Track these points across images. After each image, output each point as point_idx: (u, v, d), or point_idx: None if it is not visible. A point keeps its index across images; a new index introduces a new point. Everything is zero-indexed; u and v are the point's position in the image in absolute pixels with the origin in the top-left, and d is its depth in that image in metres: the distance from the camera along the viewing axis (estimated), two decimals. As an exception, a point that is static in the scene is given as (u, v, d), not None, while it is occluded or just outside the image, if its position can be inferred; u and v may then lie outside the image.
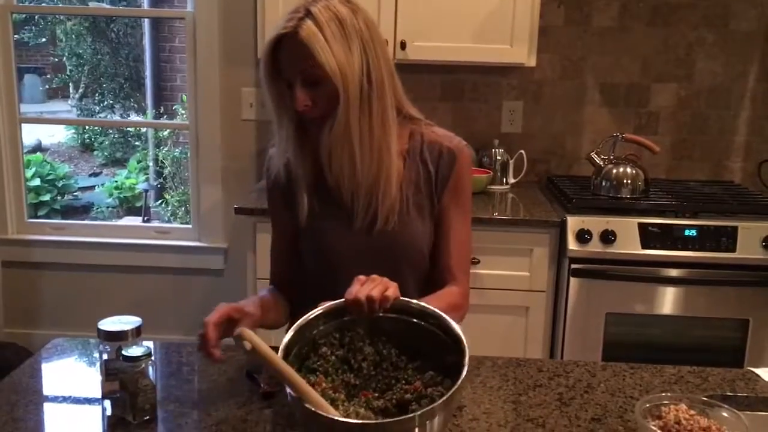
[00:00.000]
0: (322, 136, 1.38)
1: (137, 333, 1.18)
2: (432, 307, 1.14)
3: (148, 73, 6.78)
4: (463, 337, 1.06)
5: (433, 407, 0.95)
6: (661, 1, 2.92)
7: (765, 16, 2.91)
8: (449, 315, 1.41)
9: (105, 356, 1.17)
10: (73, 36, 7.72)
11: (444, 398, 0.96)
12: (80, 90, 8.00)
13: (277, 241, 1.59)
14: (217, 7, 2.98)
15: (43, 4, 6.79)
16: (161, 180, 6.52)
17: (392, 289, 1.15)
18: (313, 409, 0.95)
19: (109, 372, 1.17)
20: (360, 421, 1.01)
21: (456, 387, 0.98)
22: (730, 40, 2.94)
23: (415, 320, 1.14)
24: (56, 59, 8.33)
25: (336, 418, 0.98)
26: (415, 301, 1.16)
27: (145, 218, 6.33)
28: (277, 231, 1.59)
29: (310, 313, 1.12)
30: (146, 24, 6.74)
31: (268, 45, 1.34)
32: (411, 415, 0.96)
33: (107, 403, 1.19)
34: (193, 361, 1.39)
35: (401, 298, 1.16)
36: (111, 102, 7.71)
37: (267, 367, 1.01)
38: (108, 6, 7.22)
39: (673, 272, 2.45)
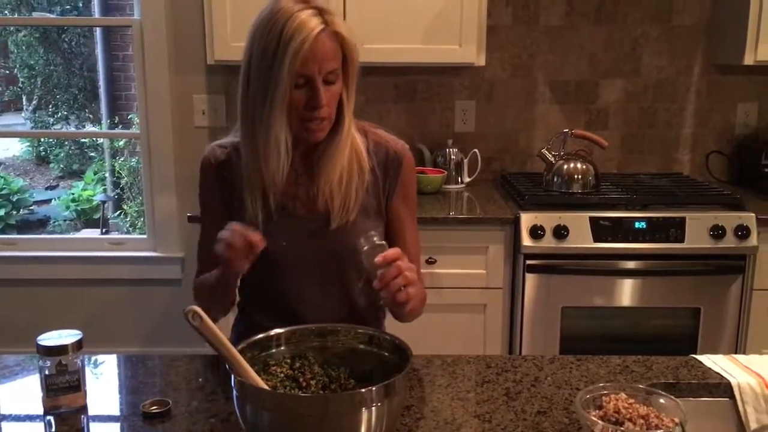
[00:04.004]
0: (318, 136, 1.39)
1: (78, 346, 1.16)
2: (378, 331, 1.20)
3: (101, 82, 6.68)
4: (409, 351, 1.10)
5: (370, 389, 0.97)
6: (605, -2, 2.97)
7: (706, 10, 2.98)
8: (421, 306, 1.46)
9: (45, 371, 1.15)
10: (24, 47, 7.57)
11: (382, 384, 0.98)
12: (33, 102, 7.84)
13: (210, 236, 1.48)
14: (165, 14, 2.95)
15: (-10, 16, 6.64)
16: (119, 191, 6.43)
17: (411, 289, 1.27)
18: (242, 379, 1.01)
19: (49, 388, 1.15)
20: (300, 394, 1.09)
21: (397, 377, 1.00)
22: (674, 34, 3.01)
23: (363, 346, 1.18)
24: (7, 71, 8.16)
25: (264, 387, 1.04)
26: (362, 327, 1.20)
27: (104, 230, 6.22)
28: (210, 225, 1.49)
29: (268, 333, 1.16)
30: (98, 33, 6.64)
31: (302, 43, 1.29)
32: (342, 393, 1.01)
33: (50, 419, 1.17)
34: (153, 373, 1.38)
35: (349, 325, 1.21)
36: (65, 113, 7.57)
37: (210, 343, 1.04)
38: (54, 16, 7.10)
39: (625, 264, 2.49)
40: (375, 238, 1.27)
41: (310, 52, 1.30)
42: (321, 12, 1.34)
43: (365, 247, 1.27)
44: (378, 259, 1.24)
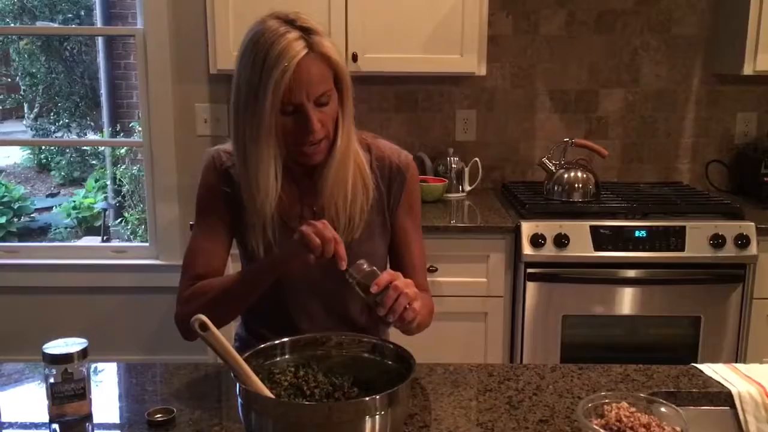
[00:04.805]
0: (316, 158, 1.37)
1: (83, 355, 1.17)
2: (381, 340, 1.21)
3: (103, 90, 6.70)
4: (412, 360, 1.10)
5: (374, 397, 0.98)
6: (605, 8, 2.99)
7: (705, 20, 3.00)
8: (430, 317, 1.48)
9: (51, 380, 1.16)
10: (26, 55, 7.59)
11: (386, 393, 0.99)
12: (35, 110, 7.86)
13: (209, 240, 1.47)
14: (167, 23, 2.97)
15: (-7, 24, 6.67)
16: (120, 198, 6.44)
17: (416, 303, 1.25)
18: (246, 387, 1.02)
19: (55, 396, 1.16)
20: (304, 402, 1.09)
21: (400, 386, 1.01)
22: (673, 44, 3.02)
23: (366, 355, 1.19)
24: (9, 79, 8.19)
25: (268, 396, 1.04)
26: (365, 336, 1.21)
27: (105, 237, 6.24)
28: (205, 230, 1.48)
29: (272, 341, 1.17)
30: (100, 41, 6.66)
31: (283, 73, 1.26)
32: (346, 401, 1.03)
33: (55, 427, 1.18)
34: (157, 381, 1.39)
35: (352, 334, 1.22)
36: (67, 121, 7.59)
37: (216, 352, 1.05)
38: (56, 25, 7.13)
39: (626, 273, 2.50)
40: (365, 266, 1.24)
41: (295, 80, 1.27)
42: (306, 34, 1.29)
43: (357, 279, 1.24)
44: (373, 288, 1.21)
